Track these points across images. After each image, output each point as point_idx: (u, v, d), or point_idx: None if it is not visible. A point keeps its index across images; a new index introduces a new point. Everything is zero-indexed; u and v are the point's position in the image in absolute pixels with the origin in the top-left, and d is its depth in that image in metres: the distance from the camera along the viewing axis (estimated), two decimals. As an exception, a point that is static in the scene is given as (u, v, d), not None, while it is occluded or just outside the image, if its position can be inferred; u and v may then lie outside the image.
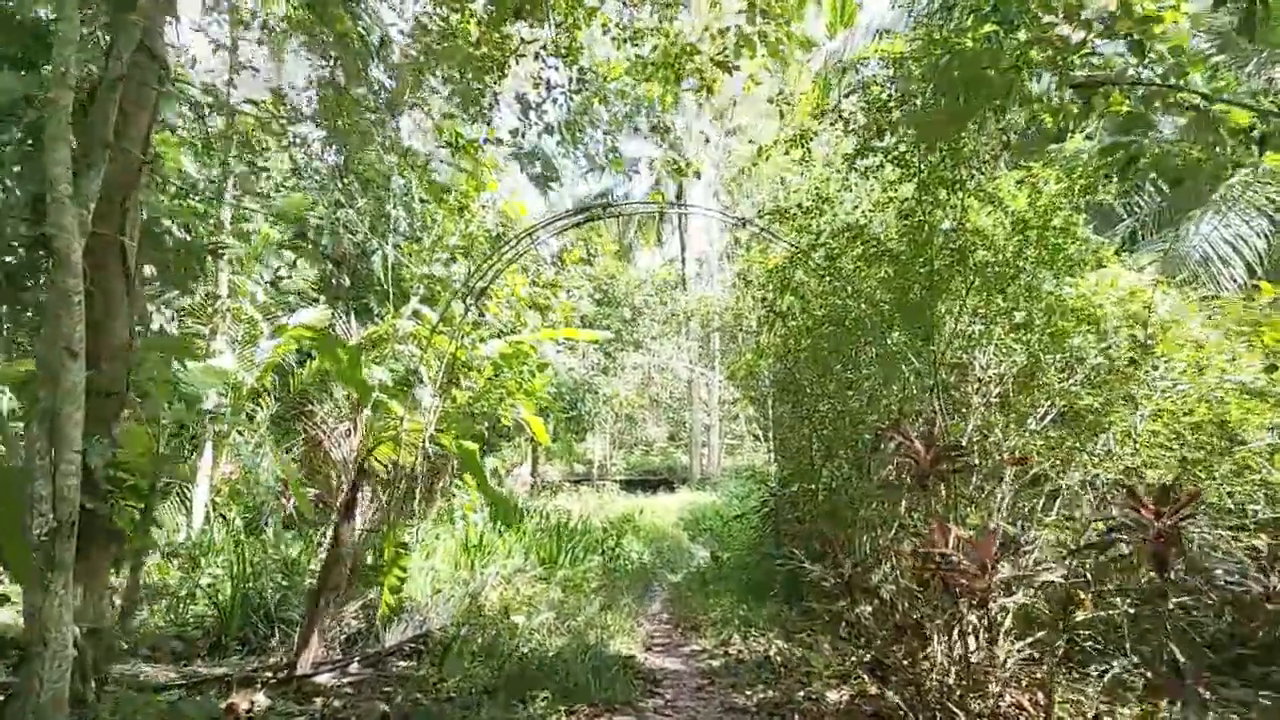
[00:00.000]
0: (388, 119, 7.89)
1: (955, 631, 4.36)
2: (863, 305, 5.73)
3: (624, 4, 6.21)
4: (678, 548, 12.43)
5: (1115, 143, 4.00)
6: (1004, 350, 5.51)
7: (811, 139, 5.44)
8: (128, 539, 5.46)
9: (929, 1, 8.10)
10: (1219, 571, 3.71)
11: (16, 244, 4.42)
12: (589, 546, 9.58)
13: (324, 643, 5.15)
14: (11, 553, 3.40)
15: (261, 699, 4.28)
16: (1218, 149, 3.96)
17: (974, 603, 4.01)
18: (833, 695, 4.70)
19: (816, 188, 5.68)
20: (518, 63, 5.45)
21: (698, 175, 7.83)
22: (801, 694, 4.78)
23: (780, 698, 4.76)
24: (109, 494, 3.79)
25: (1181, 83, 3.82)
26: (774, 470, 10.24)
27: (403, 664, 5.31)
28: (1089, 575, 4.31)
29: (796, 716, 4.44)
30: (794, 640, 5.95)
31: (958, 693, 4.22)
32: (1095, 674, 4.43)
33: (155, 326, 8.95)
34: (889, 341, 5.47)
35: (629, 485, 22.88)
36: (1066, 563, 4.22)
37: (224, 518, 7.91)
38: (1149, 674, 3.87)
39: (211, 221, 8.18)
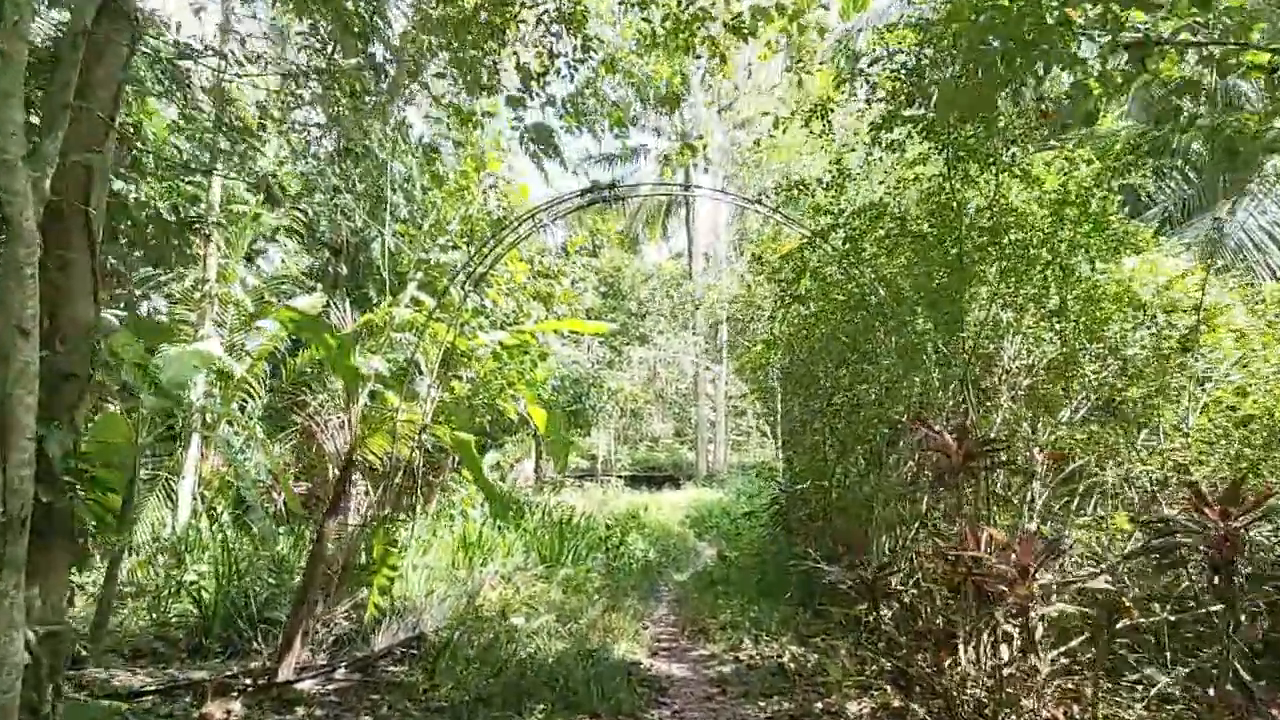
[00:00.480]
0: (388, 101, 7.57)
1: (987, 640, 4.04)
2: (883, 290, 5.39)
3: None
4: (684, 546, 12.16)
5: (1170, 108, 3.64)
6: (1035, 339, 5.17)
7: (831, 110, 5.09)
8: (96, 534, 5.17)
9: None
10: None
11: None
12: (592, 544, 9.28)
13: (309, 646, 4.85)
14: (-43, 550, 3.10)
15: (238, 708, 3.97)
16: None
17: (1012, 611, 3.69)
18: (853, 707, 4.37)
19: (837, 160, 5.32)
20: (519, 29, 5.10)
21: (705, 156, 7.48)
22: (819, 705, 4.46)
23: (796, 709, 4.44)
24: (69, 486, 3.49)
25: (1244, 41, 3.46)
26: (783, 466, 9.93)
27: (393, 669, 5.00)
28: (1126, 580, 4.00)
29: (814, 730, 4.13)
30: (809, 645, 5.62)
31: (989, 706, 3.89)
32: (1132, 684, 4.10)
33: (144, 312, 8.69)
34: (911, 330, 5.12)
35: (634, 481, 22.68)
36: (1115, 567, 3.88)
37: (212, 512, 7.61)
38: (1202, 688, 3.55)
39: (202, 205, 7.87)
